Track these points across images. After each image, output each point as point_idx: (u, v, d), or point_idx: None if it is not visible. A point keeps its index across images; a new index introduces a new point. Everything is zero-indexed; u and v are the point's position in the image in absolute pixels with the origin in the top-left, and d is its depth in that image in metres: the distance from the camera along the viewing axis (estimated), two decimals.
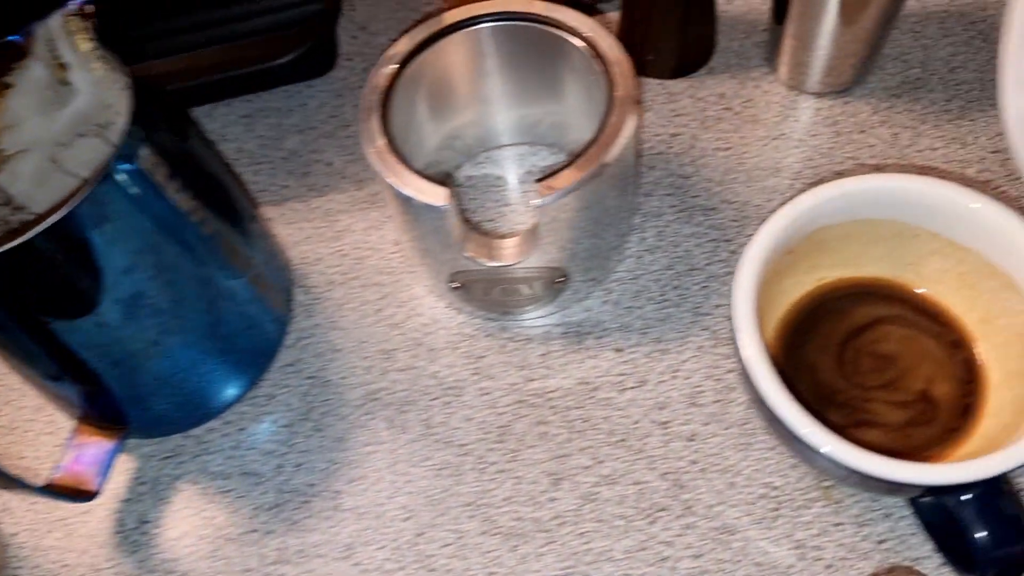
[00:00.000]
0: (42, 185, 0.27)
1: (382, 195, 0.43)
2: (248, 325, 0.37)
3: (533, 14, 0.37)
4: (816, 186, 0.33)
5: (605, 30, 0.36)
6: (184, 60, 0.42)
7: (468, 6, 0.37)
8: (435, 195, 0.33)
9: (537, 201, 0.33)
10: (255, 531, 0.36)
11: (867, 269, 0.36)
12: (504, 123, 0.43)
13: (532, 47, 0.38)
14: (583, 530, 0.35)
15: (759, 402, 0.30)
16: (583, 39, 0.36)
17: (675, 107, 0.44)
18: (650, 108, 0.45)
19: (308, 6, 0.43)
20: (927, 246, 0.34)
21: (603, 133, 0.33)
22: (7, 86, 0.26)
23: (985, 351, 0.34)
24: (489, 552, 0.35)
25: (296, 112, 0.47)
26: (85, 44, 0.28)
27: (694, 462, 0.36)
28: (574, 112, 0.40)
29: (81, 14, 0.27)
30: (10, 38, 0.26)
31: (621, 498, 0.35)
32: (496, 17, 0.37)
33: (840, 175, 0.41)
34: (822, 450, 0.28)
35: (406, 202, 0.34)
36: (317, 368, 0.40)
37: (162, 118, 0.32)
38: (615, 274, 0.40)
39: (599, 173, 0.33)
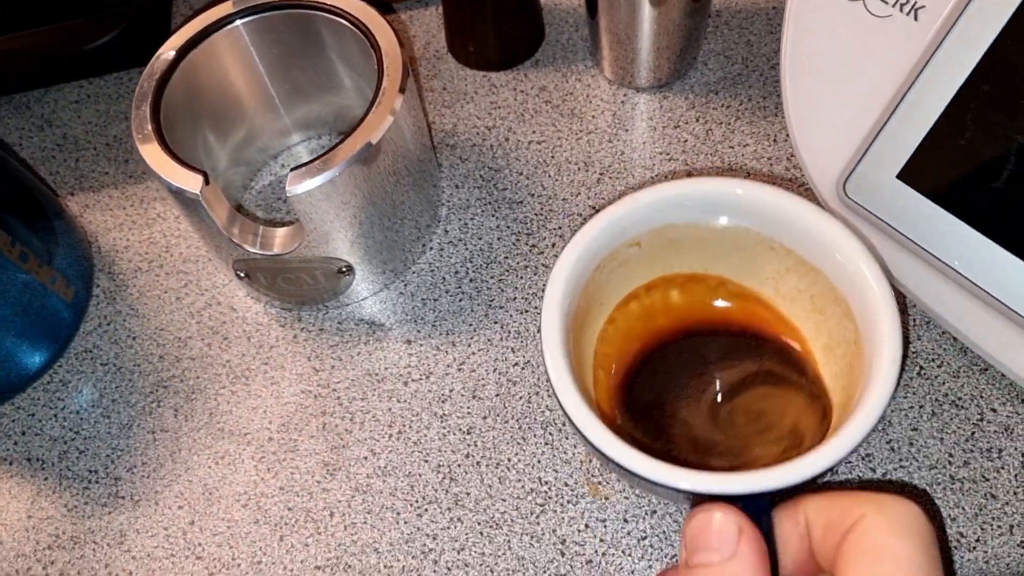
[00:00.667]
0: None
1: None
2: (25, 312, 0.37)
3: (297, 2, 0.36)
4: (657, 183, 0.31)
5: (384, 22, 0.36)
6: None
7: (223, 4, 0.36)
8: (191, 182, 0.33)
9: (289, 191, 0.32)
10: (32, 517, 0.36)
11: (726, 274, 0.34)
12: (294, 121, 0.42)
13: (302, 38, 0.37)
14: (352, 521, 0.35)
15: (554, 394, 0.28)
16: (359, 28, 0.36)
17: (495, 99, 0.44)
18: (471, 100, 0.44)
19: None
20: (784, 262, 0.32)
21: (362, 124, 0.33)
22: None
23: (827, 378, 0.32)
24: (256, 542, 0.35)
25: (125, 98, 0.47)
26: None
27: (468, 456, 0.36)
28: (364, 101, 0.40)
29: None
30: None
31: (393, 490, 0.35)
32: (250, 11, 0.36)
33: (649, 171, 0.41)
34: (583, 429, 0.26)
35: (170, 189, 0.34)
36: (113, 355, 0.40)
37: None
38: (416, 265, 0.40)
39: (360, 162, 0.33)
